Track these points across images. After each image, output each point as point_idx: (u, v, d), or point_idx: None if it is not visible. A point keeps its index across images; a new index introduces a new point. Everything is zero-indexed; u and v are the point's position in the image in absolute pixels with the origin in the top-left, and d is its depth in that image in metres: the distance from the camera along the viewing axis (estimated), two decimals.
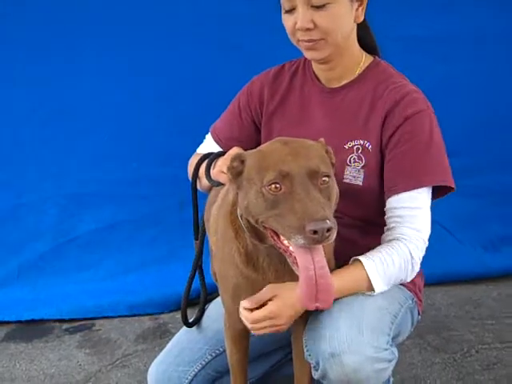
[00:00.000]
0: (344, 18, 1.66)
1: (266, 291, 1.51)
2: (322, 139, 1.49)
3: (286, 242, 1.35)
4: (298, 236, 1.26)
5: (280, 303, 1.49)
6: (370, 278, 1.57)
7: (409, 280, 1.66)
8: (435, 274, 2.82)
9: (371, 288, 1.58)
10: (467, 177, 2.87)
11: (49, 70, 2.92)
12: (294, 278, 1.49)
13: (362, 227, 1.76)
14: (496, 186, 3.18)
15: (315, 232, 1.23)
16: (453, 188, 1.68)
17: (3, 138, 3.01)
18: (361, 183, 1.70)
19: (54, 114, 2.96)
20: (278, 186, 1.31)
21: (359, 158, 1.70)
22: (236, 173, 1.44)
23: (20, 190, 3.03)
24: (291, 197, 1.30)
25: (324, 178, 1.35)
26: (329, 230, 1.23)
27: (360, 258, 1.59)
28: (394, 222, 1.65)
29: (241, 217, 1.47)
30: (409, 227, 1.63)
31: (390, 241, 1.64)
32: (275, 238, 1.37)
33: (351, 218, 1.75)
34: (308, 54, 1.72)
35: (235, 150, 1.74)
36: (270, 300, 1.51)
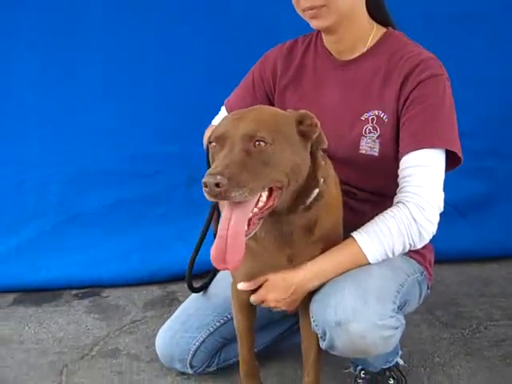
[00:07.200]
0: None
1: (261, 278, 1.60)
2: (302, 111, 1.46)
3: None
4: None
5: (267, 288, 1.60)
6: (365, 253, 1.56)
7: (419, 246, 1.61)
8: (445, 253, 2.75)
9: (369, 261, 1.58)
10: (480, 159, 2.82)
11: (53, 47, 2.84)
12: (295, 249, 1.54)
13: (376, 202, 1.74)
14: (509, 169, 3.10)
15: (205, 185, 1.25)
16: (460, 160, 1.64)
17: (5, 113, 2.93)
18: (376, 154, 1.68)
19: (58, 89, 2.88)
20: (213, 144, 1.39)
21: (374, 128, 1.68)
22: None
23: (22, 167, 2.92)
24: (218, 155, 1.35)
25: (259, 142, 1.34)
26: (217, 185, 1.23)
27: (353, 233, 1.59)
28: (403, 182, 1.62)
29: None
30: (416, 185, 1.58)
31: (393, 206, 1.61)
32: None
33: (366, 192, 1.75)
34: (313, 23, 1.69)
35: None
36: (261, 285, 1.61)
